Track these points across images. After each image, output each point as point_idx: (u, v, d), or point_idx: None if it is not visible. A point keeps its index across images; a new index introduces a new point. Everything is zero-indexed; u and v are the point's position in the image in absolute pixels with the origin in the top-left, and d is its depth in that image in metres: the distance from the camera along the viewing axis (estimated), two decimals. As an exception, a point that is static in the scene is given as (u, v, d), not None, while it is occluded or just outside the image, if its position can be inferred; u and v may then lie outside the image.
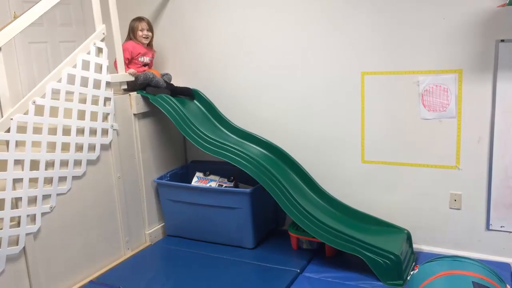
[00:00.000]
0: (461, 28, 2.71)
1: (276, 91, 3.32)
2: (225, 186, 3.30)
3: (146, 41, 3.39)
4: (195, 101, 3.52)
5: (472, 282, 1.92)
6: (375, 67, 2.98)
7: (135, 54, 3.32)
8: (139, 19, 3.39)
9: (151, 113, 3.34)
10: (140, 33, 3.35)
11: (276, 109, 3.34)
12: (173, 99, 3.21)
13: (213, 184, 3.32)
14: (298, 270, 2.84)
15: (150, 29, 3.42)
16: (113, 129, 3.04)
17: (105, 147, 3.00)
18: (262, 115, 3.40)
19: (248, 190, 3.08)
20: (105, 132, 2.99)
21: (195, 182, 3.37)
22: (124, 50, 3.25)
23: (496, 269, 2.13)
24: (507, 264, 2.77)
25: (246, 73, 3.40)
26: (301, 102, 3.25)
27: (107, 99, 2.99)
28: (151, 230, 3.40)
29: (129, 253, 3.20)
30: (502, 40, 2.62)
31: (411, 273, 2.19)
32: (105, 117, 2.99)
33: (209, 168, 3.47)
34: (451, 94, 2.81)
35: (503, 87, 2.67)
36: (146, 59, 3.39)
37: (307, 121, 3.25)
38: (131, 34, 3.38)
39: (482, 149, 2.80)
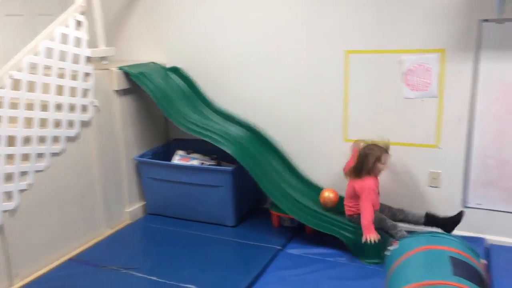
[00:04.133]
0: (445, 7, 2.71)
1: (258, 71, 3.28)
2: (208, 165, 3.29)
3: None
4: (177, 80, 3.45)
5: (449, 256, 1.95)
6: (359, 46, 2.96)
7: None
8: (386, 150, 2.71)
9: (133, 90, 3.28)
10: (382, 166, 2.71)
11: (258, 89, 3.31)
12: (154, 76, 3.14)
13: (195, 163, 3.29)
14: (280, 247, 2.86)
15: None
16: (93, 106, 2.98)
17: (85, 124, 2.95)
18: (244, 95, 3.36)
19: (230, 168, 3.08)
20: (84, 108, 2.93)
21: (177, 160, 3.34)
22: (371, 191, 2.63)
23: (471, 244, 2.17)
24: (481, 239, 2.85)
25: (229, 53, 3.34)
26: (284, 82, 3.22)
27: (87, 75, 2.92)
28: (131, 209, 3.37)
29: (109, 231, 3.18)
30: (486, 20, 2.63)
31: (390, 248, 2.22)
32: (85, 93, 2.92)
33: (191, 146, 3.44)
34: (434, 73, 2.82)
35: (486, 67, 2.68)
36: None
37: (290, 101, 3.23)
38: (370, 166, 2.66)
39: (462, 129, 2.83)
